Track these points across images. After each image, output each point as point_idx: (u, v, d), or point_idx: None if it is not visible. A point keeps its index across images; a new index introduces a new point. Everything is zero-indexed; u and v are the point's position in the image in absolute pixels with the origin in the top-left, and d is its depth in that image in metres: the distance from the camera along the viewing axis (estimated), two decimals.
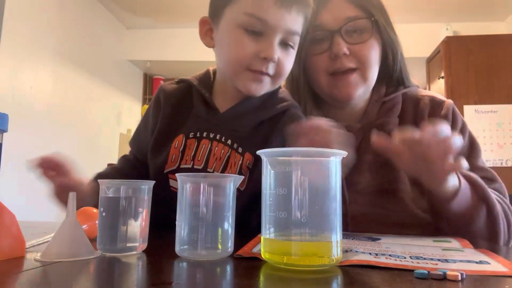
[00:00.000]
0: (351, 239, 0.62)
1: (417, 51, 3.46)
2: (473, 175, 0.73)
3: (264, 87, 0.79)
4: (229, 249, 0.49)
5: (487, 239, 0.71)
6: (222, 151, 0.79)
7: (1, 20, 2.53)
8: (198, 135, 0.81)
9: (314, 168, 0.45)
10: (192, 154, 0.80)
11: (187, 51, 3.89)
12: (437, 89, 3.27)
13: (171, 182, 0.80)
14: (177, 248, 0.49)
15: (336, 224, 0.44)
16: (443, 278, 0.38)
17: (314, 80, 0.88)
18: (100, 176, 0.89)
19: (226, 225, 0.49)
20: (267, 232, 0.45)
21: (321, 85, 0.87)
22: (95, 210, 0.61)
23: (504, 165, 2.97)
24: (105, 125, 3.79)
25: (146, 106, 4.40)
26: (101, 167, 0.98)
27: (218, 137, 0.80)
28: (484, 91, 3.07)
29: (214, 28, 0.81)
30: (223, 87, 0.85)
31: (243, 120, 0.81)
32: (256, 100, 0.82)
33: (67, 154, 0.77)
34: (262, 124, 0.82)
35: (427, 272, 0.39)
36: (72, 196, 0.50)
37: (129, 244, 0.51)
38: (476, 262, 0.45)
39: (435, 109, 0.87)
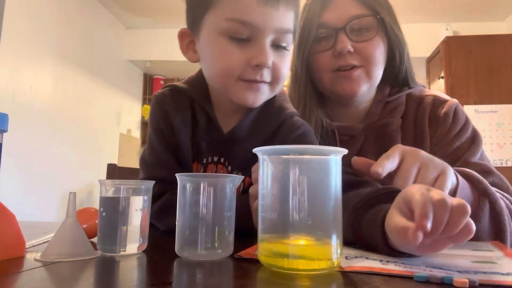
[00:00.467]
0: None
1: (417, 51, 3.45)
2: (469, 170, 0.71)
3: (262, 96, 0.71)
4: (229, 250, 0.49)
5: (493, 238, 0.67)
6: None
7: (1, 20, 2.53)
8: (204, 161, 0.78)
9: (312, 167, 0.43)
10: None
11: None
12: (437, 89, 3.25)
13: None
14: (177, 248, 0.49)
15: (336, 225, 0.42)
16: (442, 282, 0.36)
17: (317, 78, 0.88)
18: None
19: (226, 226, 0.49)
20: (263, 234, 0.43)
21: (324, 83, 0.86)
22: (95, 210, 0.62)
23: (504, 165, 2.97)
24: (105, 125, 3.79)
25: (146, 106, 4.41)
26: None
27: (222, 160, 0.78)
28: (484, 91, 3.07)
29: (196, 40, 0.73)
30: (220, 100, 0.78)
31: (246, 144, 0.75)
32: (254, 113, 0.76)
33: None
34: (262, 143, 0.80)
35: (426, 275, 0.37)
36: (72, 196, 0.50)
37: (129, 244, 0.51)
38: (503, 274, 0.40)
39: (436, 107, 0.87)
